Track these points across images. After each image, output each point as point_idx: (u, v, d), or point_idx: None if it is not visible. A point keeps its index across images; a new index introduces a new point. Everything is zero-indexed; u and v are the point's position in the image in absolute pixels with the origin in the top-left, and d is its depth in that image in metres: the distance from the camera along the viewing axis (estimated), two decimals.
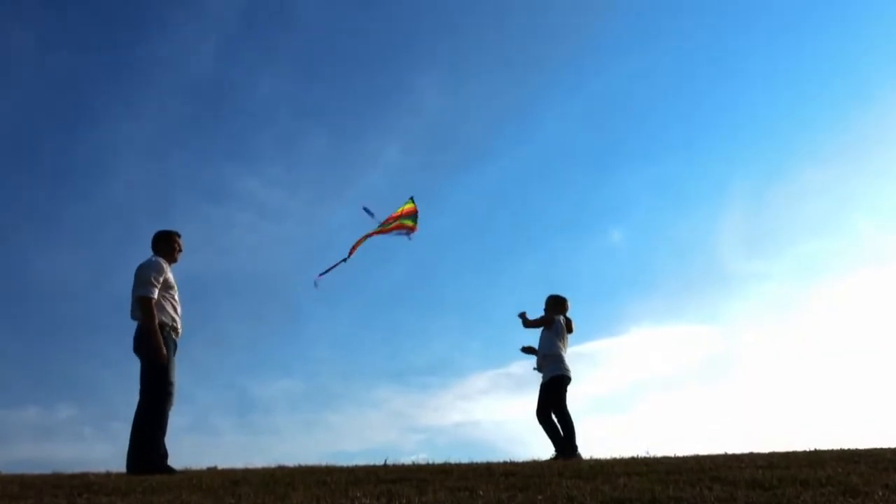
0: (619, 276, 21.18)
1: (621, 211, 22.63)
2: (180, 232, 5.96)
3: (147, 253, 5.82)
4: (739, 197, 22.20)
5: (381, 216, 8.03)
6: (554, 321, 7.69)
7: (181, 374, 5.72)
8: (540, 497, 3.05)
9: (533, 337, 7.87)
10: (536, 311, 7.89)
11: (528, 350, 7.84)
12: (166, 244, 5.84)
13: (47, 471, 5.34)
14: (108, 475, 4.85)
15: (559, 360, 7.52)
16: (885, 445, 5.47)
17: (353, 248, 7.82)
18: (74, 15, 20.59)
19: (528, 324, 7.80)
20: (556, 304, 7.83)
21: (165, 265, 5.71)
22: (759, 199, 22.02)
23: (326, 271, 7.64)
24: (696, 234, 22.19)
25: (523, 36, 23.34)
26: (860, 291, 19.62)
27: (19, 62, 19.58)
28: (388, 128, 22.82)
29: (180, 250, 5.93)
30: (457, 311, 19.13)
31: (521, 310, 7.87)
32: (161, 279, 5.59)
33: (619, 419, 15.83)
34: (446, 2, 23.21)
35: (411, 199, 8.23)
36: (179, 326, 5.72)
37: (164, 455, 5.40)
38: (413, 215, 8.15)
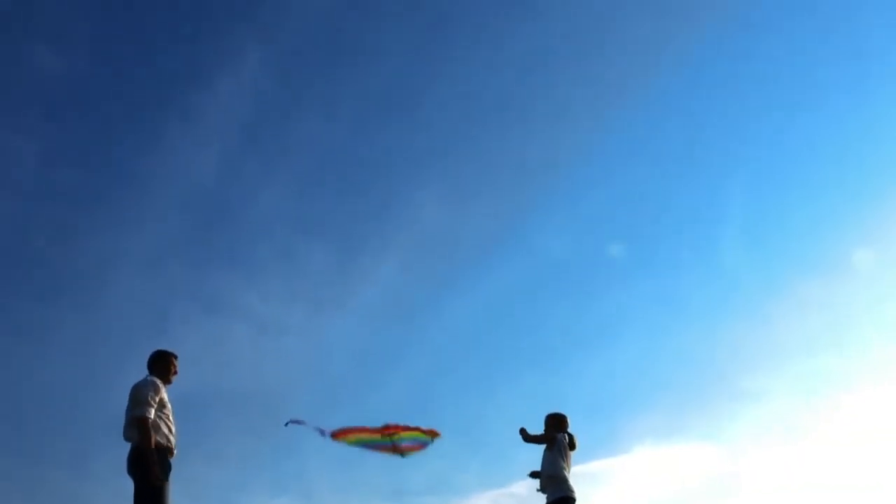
0: (620, 393, 20.90)
1: (620, 326, 22.62)
2: (177, 353, 6.01)
3: (143, 370, 5.86)
4: (739, 310, 22.26)
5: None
6: (556, 440, 7.53)
7: (175, 494, 5.62)
8: None
9: (534, 457, 7.75)
10: (536, 429, 7.78)
11: (536, 475, 7.70)
12: (163, 365, 5.88)
13: None
14: None
15: (563, 482, 7.35)
16: None
17: (342, 434, 7.05)
18: (76, 127, 21.35)
19: (528, 439, 7.65)
20: (557, 422, 7.70)
21: (161, 385, 5.74)
22: (760, 313, 22.07)
23: (299, 423, 6.88)
24: (696, 348, 22.08)
25: (521, 150, 24.07)
26: (865, 407, 19.35)
27: (19, 173, 20.17)
28: (386, 242, 23.20)
29: (176, 372, 5.96)
30: (455, 429, 18.78)
31: (520, 426, 7.72)
32: (157, 399, 5.61)
33: None
34: (444, 117, 24.11)
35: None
36: (174, 447, 5.69)
37: None
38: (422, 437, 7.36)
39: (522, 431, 7.70)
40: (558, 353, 21.44)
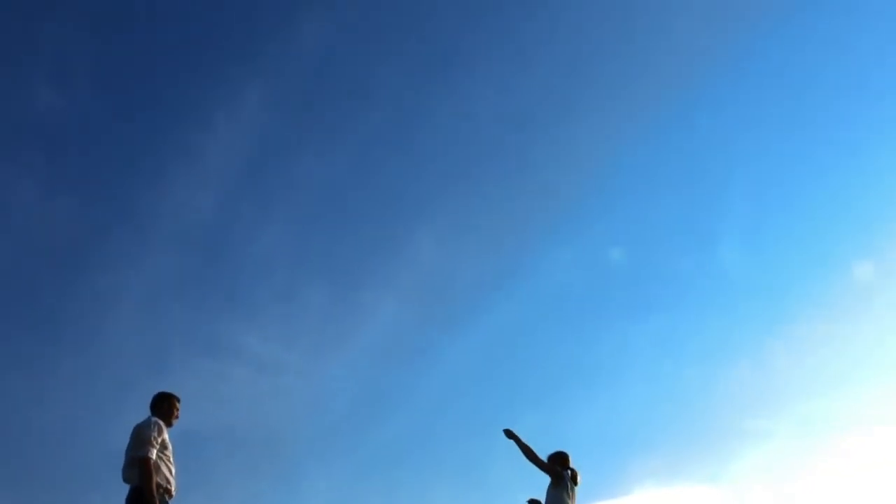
0: (621, 434, 20.79)
1: (621, 367, 22.54)
2: (179, 396, 6.03)
3: (143, 408, 5.88)
4: (741, 351, 22.23)
5: None
6: (562, 477, 7.48)
7: None
8: None
9: (533, 486, 7.70)
10: (534, 473, 7.73)
11: (534, 503, 7.68)
12: (165, 407, 5.90)
13: None
14: None
15: None
16: None
17: None
18: (76, 164, 21.53)
19: (529, 454, 7.50)
20: (559, 460, 7.65)
21: (163, 426, 5.74)
22: (761, 354, 22.03)
23: None
24: (697, 390, 22.00)
25: (519, 188, 24.27)
26: (865, 448, 19.24)
27: (19, 210, 20.24)
28: (385, 280, 23.25)
29: (177, 416, 5.97)
30: (456, 469, 18.69)
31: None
32: (159, 440, 5.60)
33: None
34: (443, 155, 24.32)
35: None
36: (173, 488, 5.67)
37: None
38: None
39: (511, 435, 7.57)
40: (559, 394, 21.40)
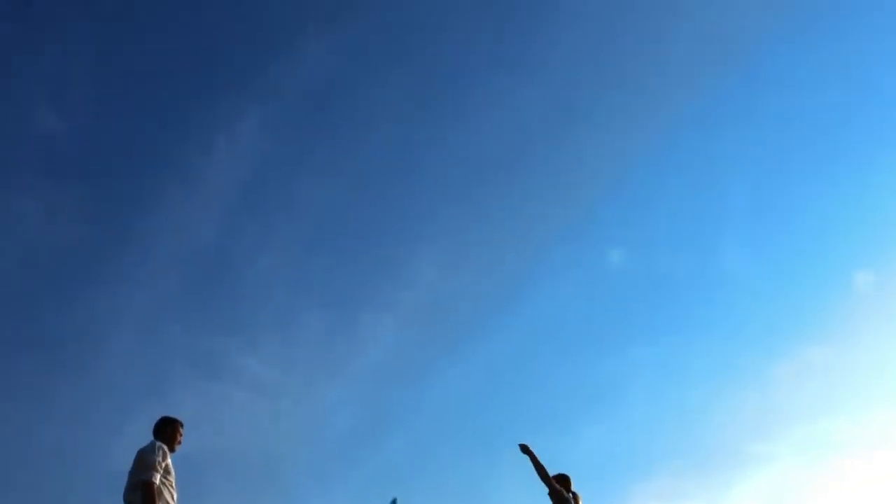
0: (625, 457, 20.62)
1: (623, 389, 22.38)
2: (183, 421, 6.02)
3: (142, 430, 5.92)
4: (744, 374, 22.13)
5: None
6: (567, 499, 7.44)
7: None
8: None
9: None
10: (538, 495, 7.66)
11: None
12: (170, 431, 5.89)
13: None
14: None
15: None
16: None
17: None
18: (78, 188, 21.55)
19: (541, 472, 7.46)
20: (561, 483, 7.59)
21: (167, 451, 5.73)
22: (763, 378, 21.92)
23: None
24: (700, 413, 21.85)
25: (519, 212, 24.29)
26: (868, 471, 19.13)
27: (19, 232, 20.20)
28: (385, 303, 23.15)
29: (181, 442, 5.97)
30: (457, 491, 18.51)
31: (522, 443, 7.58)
32: (163, 464, 5.60)
33: None
34: (443, 180, 24.36)
35: None
36: None
37: None
38: None
39: (527, 450, 7.54)
40: (561, 417, 21.24)
